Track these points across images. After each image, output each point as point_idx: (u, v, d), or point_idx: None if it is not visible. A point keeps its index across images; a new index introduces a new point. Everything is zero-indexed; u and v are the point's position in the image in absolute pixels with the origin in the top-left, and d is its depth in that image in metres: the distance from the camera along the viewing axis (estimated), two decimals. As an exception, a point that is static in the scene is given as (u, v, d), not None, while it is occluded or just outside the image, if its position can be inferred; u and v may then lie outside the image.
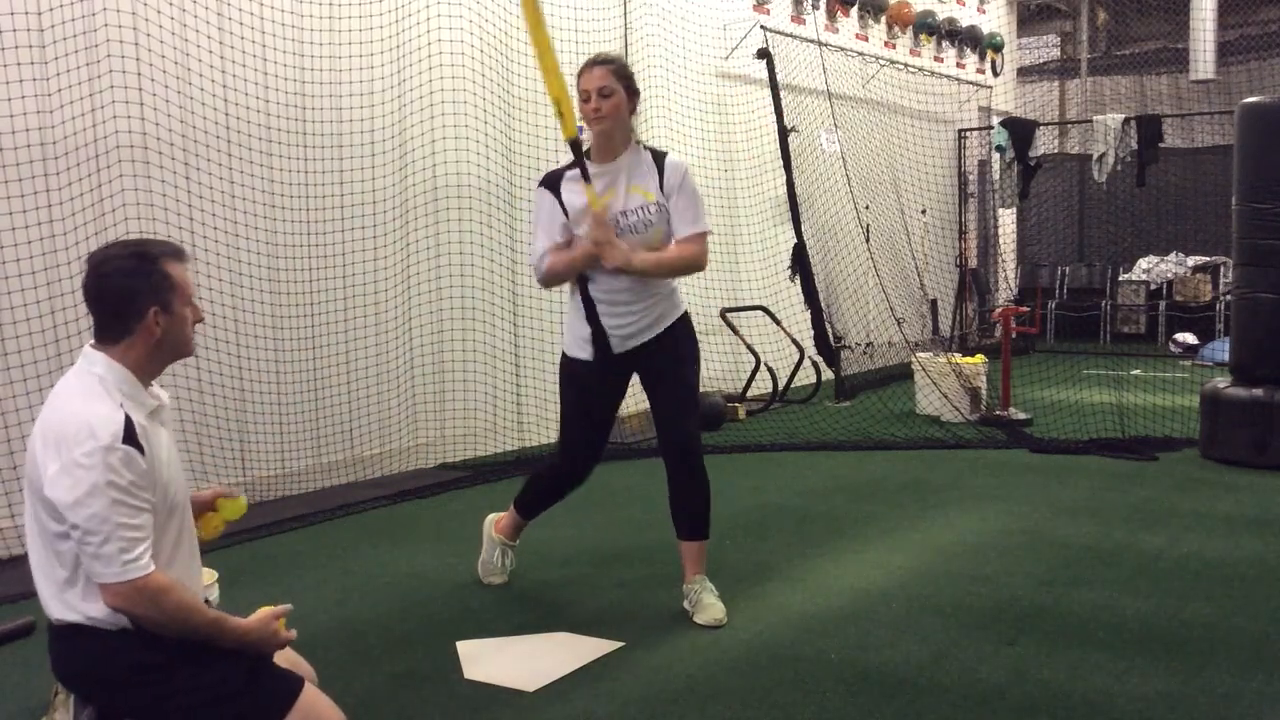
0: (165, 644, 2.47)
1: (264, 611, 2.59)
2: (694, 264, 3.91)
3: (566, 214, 3.89)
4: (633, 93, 3.90)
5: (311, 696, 2.56)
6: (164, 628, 2.43)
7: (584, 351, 3.97)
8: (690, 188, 3.91)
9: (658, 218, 3.87)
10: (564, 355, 4.07)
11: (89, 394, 2.46)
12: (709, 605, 3.94)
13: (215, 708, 2.49)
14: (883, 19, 10.88)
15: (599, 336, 3.93)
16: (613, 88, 3.81)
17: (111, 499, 2.36)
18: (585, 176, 3.81)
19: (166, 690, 2.47)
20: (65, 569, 2.44)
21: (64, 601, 2.46)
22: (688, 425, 3.95)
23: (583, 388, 4.04)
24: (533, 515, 4.41)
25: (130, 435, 2.42)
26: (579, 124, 3.89)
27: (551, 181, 3.94)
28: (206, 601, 2.64)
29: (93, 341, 2.55)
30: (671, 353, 3.97)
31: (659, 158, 3.94)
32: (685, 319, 4.02)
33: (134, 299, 2.50)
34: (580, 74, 3.89)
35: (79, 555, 2.41)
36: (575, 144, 3.84)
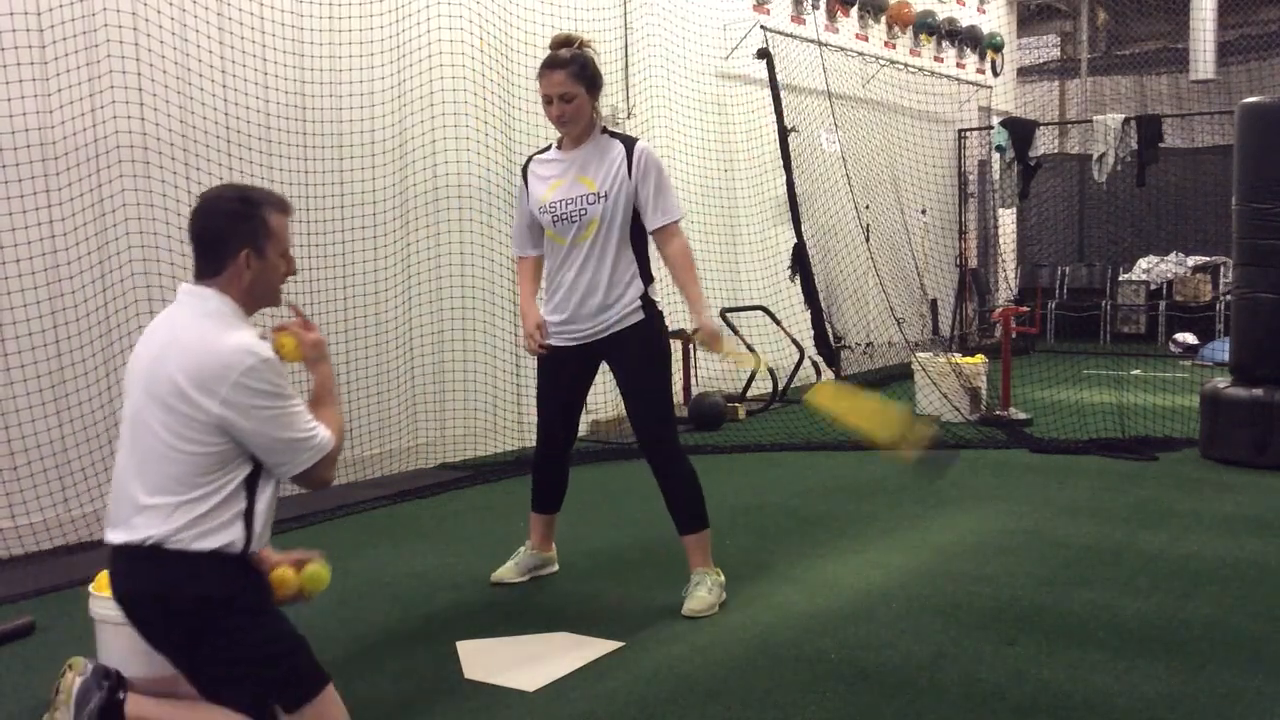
0: (234, 582, 2.61)
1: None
2: (686, 254, 4.05)
3: (529, 197, 4.13)
4: (594, 87, 4.00)
5: (332, 696, 2.66)
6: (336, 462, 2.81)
7: (547, 337, 4.21)
8: (655, 174, 3.99)
9: (595, 207, 3.97)
10: None
11: (222, 326, 2.61)
12: (693, 597, 4.00)
13: (255, 666, 2.59)
14: (883, 19, 10.88)
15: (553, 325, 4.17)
16: (573, 91, 3.93)
17: (283, 409, 2.60)
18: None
19: (220, 629, 2.56)
20: (192, 489, 2.56)
21: (161, 529, 2.55)
22: (651, 426, 4.08)
23: (544, 369, 4.23)
24: (541, 508, 4.41)
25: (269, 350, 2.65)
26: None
27: (524, 167, 4.22)
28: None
29: (192, 280, 2.71)
30: (629, 355, 4.07)
31: (629, 144, 4.02)
32: (649, 321, 4.06)
33: (229, 239, 2.66)
34: (540, 77, 4.00)
35: (252, 470, 2.64)
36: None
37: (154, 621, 2.63)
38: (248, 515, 2.64)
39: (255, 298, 2.74)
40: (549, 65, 3.95)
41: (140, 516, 2.58)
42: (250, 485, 2.64)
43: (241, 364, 2.54)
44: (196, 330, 2.60)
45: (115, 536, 2.63)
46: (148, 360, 2.63)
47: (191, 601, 2.57)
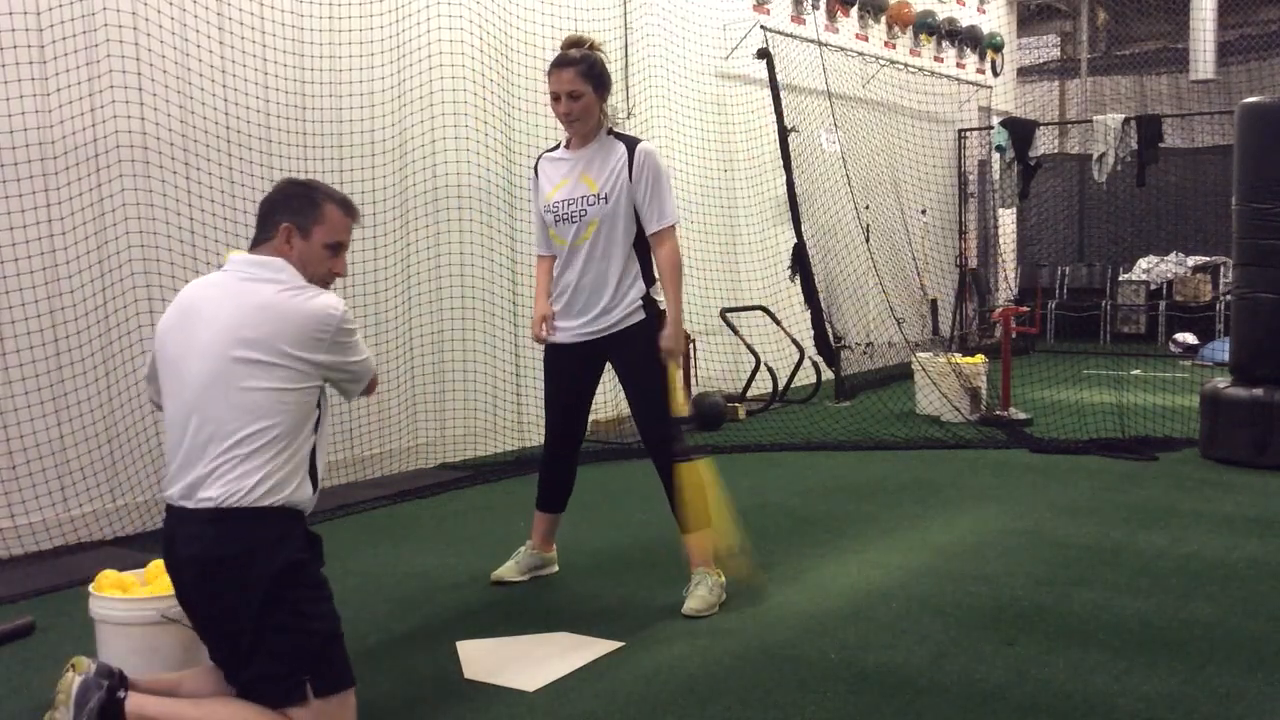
0: (302, 547, 2.74)
1: None
2: (675, 263, 4.05)
3: (539, 195, 4.17)
4: (602, 87, 4.01)
5: (354, 701, 2.72)
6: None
7: (550, 334, 4.22)
8: (654, 176, 4.00)
9: (595, 209, 3.99)
10: None
11: (306, 288, 2.81)
12: (694, 596, 4.01)
13: (307, 639, 2.68)
14: (883, 19, 10.88)
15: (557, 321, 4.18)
16: (581, 89, 3.96)
17: (359, 339, 2.89)
18: None
19: (287, 597, 2.65)
20: (283, 439, 2.71)
21: (243, 485, 2.66)
22: (655, 425, 4.10)
23: (548, 369, 4.26)
24: (546, 507, 4.42)
25: None
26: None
27: (536, 164, 4.25)
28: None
29: (248, 250, 2.89)
30: (632, 354, 4.09)
31: (631, 146, 4.03)
32: (650, 321, 4.07)
33: (278, 209, 2.84)
34: (549, 74, 4.03)
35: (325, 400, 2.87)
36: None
37: (222, 584, 2.67)
38: (312, 457, 2.80)
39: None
40: (558, 63, 3.98)
41: (216, 474, 2.66)
42: (315, 428, 2.83)
43: (336, 314, 2.78)
44: (286, 293, 2.76)
45: (186, 500, 2.69)
46: (222, 327, 2.72)
47: (270, 560, 2.65)
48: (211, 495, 2.65)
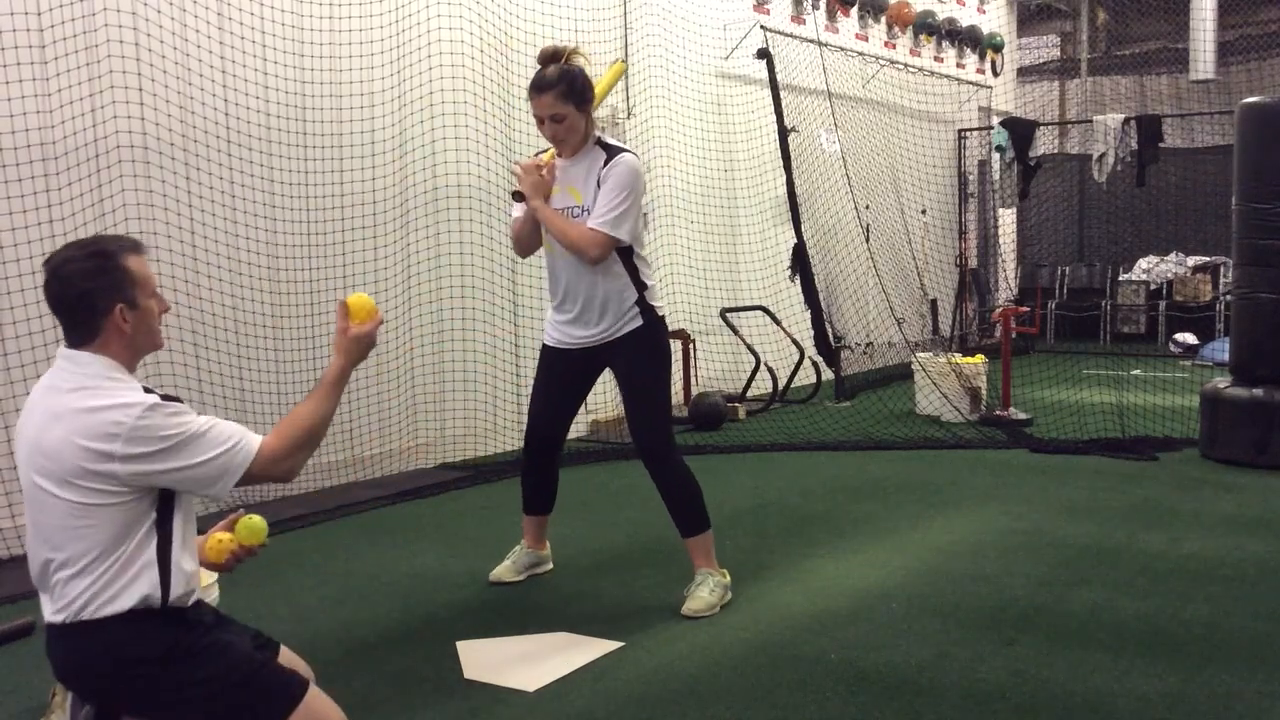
0: (161, 639, 2.44)
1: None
2: (577, 245, 3.91)
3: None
4: (584, 102, 3.95)
5: (314, 698, 2.55)
6: (303, 454, 2.59)
7: (547, 337, 4.22)
8: (615, 184, 3.91)
9: (578, 220, 3.96)
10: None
11: (101, 392, 2.44)
12: (694, 597, 4.01)
13: (214, 702, 2.46)
14: (883, 19, 10.88)
15: (552, 327, 4.19)
16: (562, 111, 3.91)
17: (187, 436, 2.43)
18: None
19: (162, 685, 2.44)
20: (101, 553, 2.41)
21: (67, 596, 2.42)
22: (645, 431, 4.09)
23: (543, 366, 4.26)
24: (532, 510, 4.43)
25: (162, 396, 2.48)
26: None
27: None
28: (200, 602, 2.62)
29: (65, 345, 2.52)
30: (628, 360, 4.08)
31: (612, 155, 3.99)
32: (648, 327, 4.06)
33: (99, 299, 2.47)
34: (529, 97, 3.98)
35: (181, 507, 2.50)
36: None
37: (96, 692, 2.51)
38: (162, 558, 2.47)
39: (138, 348, 2.56)
40: (536, 87, 3.91)
41: (56, 589, 2.46)
42: (160, 525, 2.49)
43: (130, 417, 2.38)
44: (77, 400, 2.42)
45: (44, 610, 2.50)
46: (31, 437, 2.48)
47: (116, 665, 2.44)
48: (54, 610, 2.46)
